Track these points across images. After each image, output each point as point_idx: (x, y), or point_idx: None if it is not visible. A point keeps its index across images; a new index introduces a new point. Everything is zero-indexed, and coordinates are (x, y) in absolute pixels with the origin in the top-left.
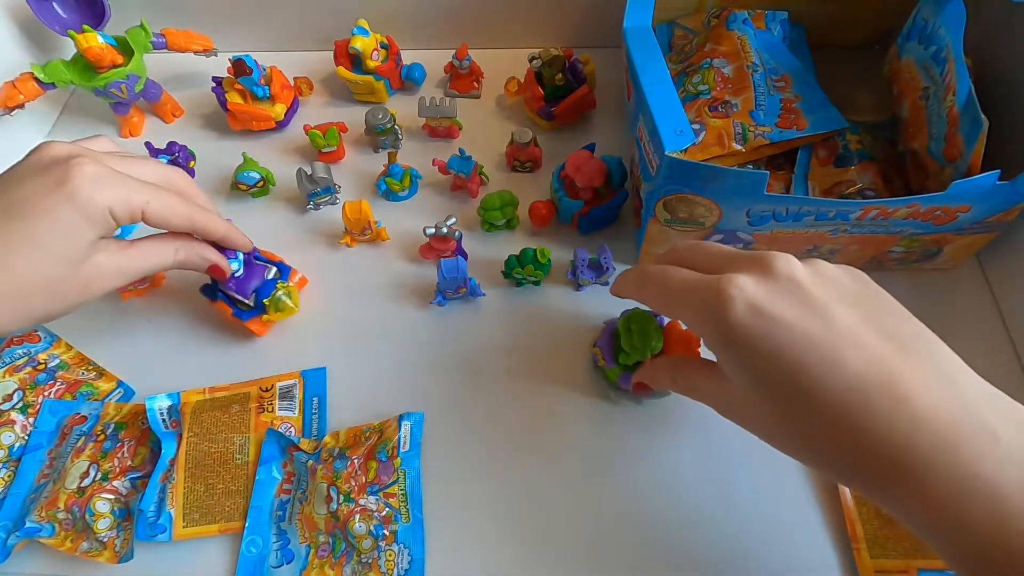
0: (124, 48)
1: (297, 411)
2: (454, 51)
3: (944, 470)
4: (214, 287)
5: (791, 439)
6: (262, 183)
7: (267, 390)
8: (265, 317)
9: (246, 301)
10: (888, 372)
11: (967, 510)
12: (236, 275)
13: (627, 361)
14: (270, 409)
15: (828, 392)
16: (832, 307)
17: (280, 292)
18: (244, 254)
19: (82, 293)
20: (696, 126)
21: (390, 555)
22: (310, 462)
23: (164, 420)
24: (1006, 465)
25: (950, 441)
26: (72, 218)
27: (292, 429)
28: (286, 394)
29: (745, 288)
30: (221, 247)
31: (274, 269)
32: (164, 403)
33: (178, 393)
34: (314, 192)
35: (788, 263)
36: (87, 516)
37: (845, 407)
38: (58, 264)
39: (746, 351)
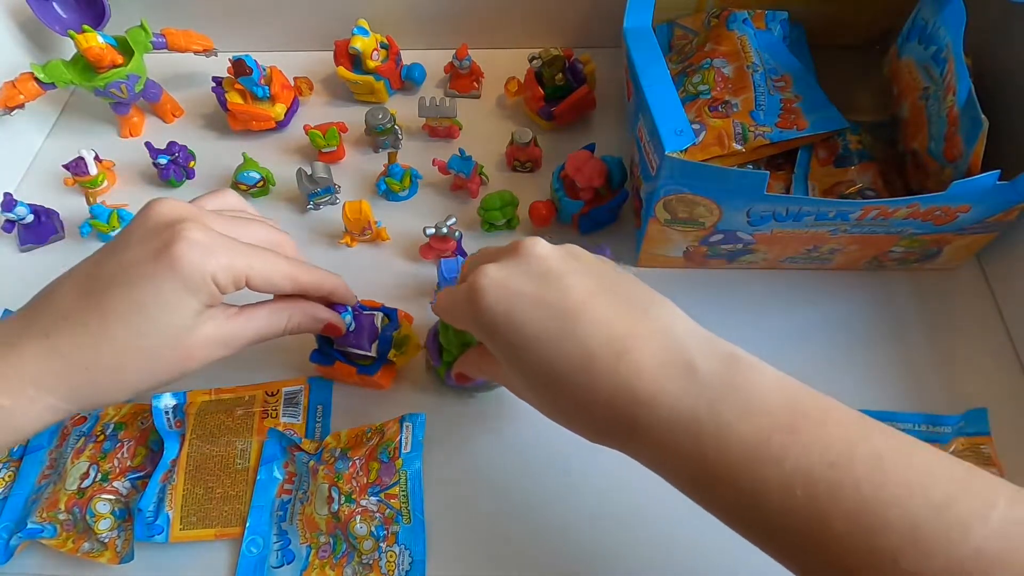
0: (124, 48)
1: (301, 418)
2: (454, 51)
3: (659, 411)
4: (325, 350)
5: (551, 410)
6: (262, 183)
7: (273, 395)
8: (395, 364)
9: (368, 354)
10: (614, 330)
11: (680, 444)
12: (350, 329)
13: (449, 358)
14: (274, 415)
15: (563, 356)
16: (569, 277)
17: (398, 338)
18: (352, 308)
19: (184, 364)
20: (696, 126)
21: (391, 556)
22: (312, 462)
23: (169, 419)
24: (702, 394)
25: (659, 383)
26: (175, 287)
27: (295, 436)
28: (291, 400)
29: (491, 274)
30: (329, 303)
31: (381, 315)
32: (170, 402)
33: (184, 392)
34: (314, 192)
35: (534, 243)
36: (88, 517)
37: (577, 367)
38: (160, 335)
39: (498, 333)
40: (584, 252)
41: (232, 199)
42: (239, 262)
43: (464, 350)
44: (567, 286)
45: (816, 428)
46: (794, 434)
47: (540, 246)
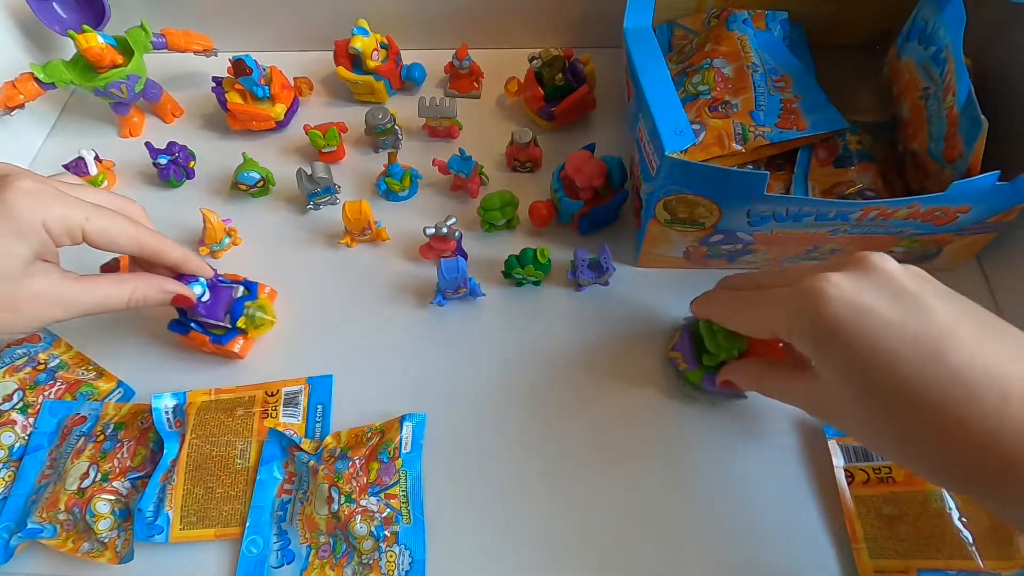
0: (124, 48)
1: (301, 418)
2: (454, 51)
3: None
4: (182, 320)
5: (885, 435)
6: (262, 183)
7: (273, 395)
8: (248, 335)
9: (221, 324)
10: (996, 366)
11: None
12: (203, 300)
13: (712, 362)
14: (274, 415)
15: (929, 385)
16: (928, 299)
17: (251, 309)
18: (207, 279)
19: (10, 318)
20: (696, 126)
21: (391, 556)
22: (312, 462)
23: (169, 419)
24: None
25: None
26: (2, 231)
27: (295, 436)
28: (291, 400)
29: (840, 284)
30: (179, 276)
31: (241, 288)
32: (170, 402)
33: (184, 392)
34: (314, 192)
35: (882, 259)
36: (88, 517)
37: (949, 401)
38: None
39: (842, 346)
40: (922, 270)
41: (70, 178)
42: (74, 213)
43: (733, 356)
44: (928, 307)
45: None
46: None
47: (890, 262)
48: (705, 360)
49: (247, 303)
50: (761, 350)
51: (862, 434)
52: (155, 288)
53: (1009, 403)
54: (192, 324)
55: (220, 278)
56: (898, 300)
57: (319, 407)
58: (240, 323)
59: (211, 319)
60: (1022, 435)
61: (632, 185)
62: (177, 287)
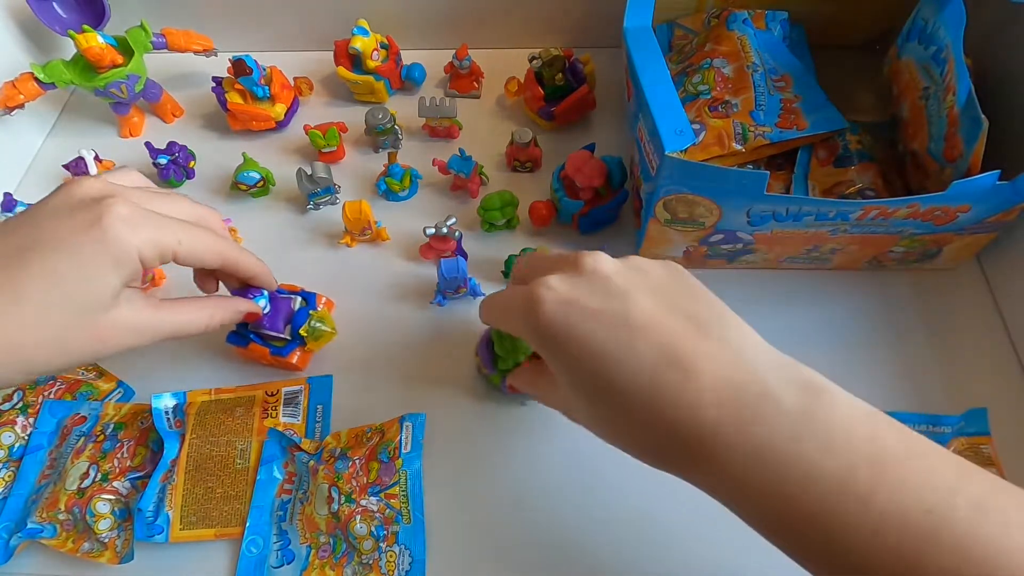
0: (124, 48)
1: (301, 418)
2: (454, 51)
3: (729, 439)
4: (242, 333)
5: (606, 429)
6: (262, 183)
7: (272, 395)
8: (307, 347)
9: (282, 336)
10: (678, 350)
11: (756, 478)
12: (265, 312)
13: (504, 367)
14: (274, 415)
15: (624, 376)
16: (632, 294)
17: (314, 320)
18: (270, 292)
19: (94, 347)
20: (696, 126)
21: (391, 556)
22: (311, 462)
23: (169, 419)
24: (781, 425)
25: (727, 410)
26: (99, 260)
27: (295, 436)
28: (291, 400)
29: (553, 286)
30: (244, 289)
31: (299, 299)
32: (170, 402)
33: (184, 392)
34: (314, 192)
35: (595, 259)
36: (88, 517)
37: (639, 388)
38: (75, 310)
39: (557, 346)
40: (650, 264)
41: (136, 176)
42: (167, 236)
43: (519, 360)
44: (631, 302)
45: (909, 466)
46: (884, 473)
47: (603, 262)
48: (499, 365)
49: (311, 312)
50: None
51: (595, 430)
52: (231, 311)
53: (687, 383)
54: (252, 336)
55: (279, 289)
56: (606, 297)
57: (319, 407)
58: (302, 332)
59: (272, 331)
60: (700, 416)
61: (632, 185)
62: (249, 306)
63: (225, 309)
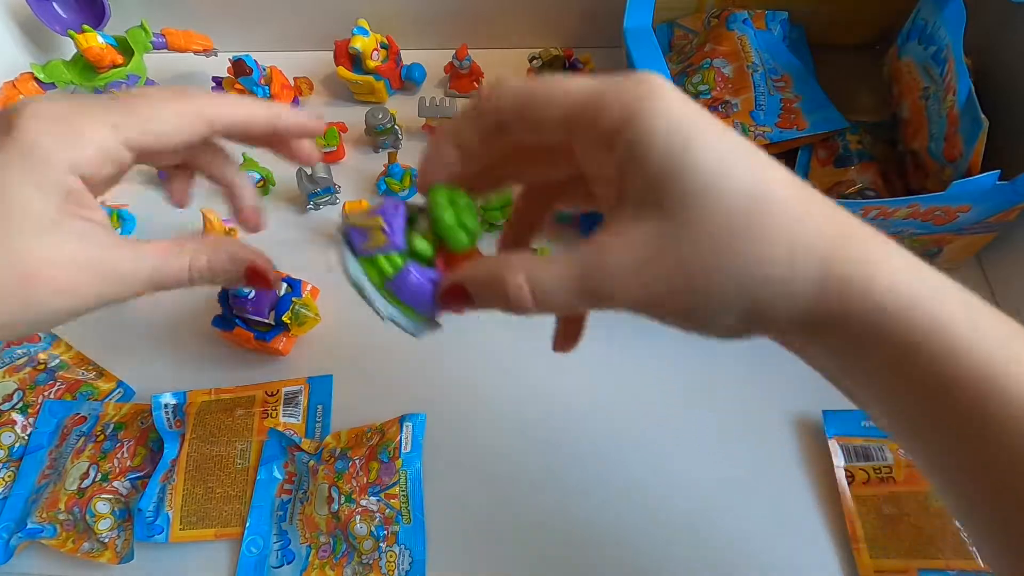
0: (124, 48)
1: (301, 418)
2: (454, 51)
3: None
4: (227, 316)
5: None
6: (262, 183)
7: (272, 395)
8: (291, 333)
9: (265, 321)
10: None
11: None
12: (249, 297)
13: (426, 251)
14: (274, 415)
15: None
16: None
17: (298, 305)
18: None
19: (26, 293)
20: None
21: (391, 556)
22: (312, 462)
23: (169, 419)
24: (905, 271)
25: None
26: (10, 175)
27: (295, 436)
28: (291, 400)
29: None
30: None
31: (284, 285)
32: (170, 402)
33: (184, 392)
34: (314, 192)
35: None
36: (88, 517)
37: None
38: None
39: (683, 140)
40: None
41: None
42: (102, 122)
43: (467, 242)
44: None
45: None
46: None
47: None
48: (417, 244)
49: (294, 299)
50: (455, 265)
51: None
52: (224, 254)
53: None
54: (237, 320)
55: None
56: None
57: (319, 407)
58: (285, 319)
59: (256, 315)
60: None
61: None
62: (252, 254)
63: (215, 249)
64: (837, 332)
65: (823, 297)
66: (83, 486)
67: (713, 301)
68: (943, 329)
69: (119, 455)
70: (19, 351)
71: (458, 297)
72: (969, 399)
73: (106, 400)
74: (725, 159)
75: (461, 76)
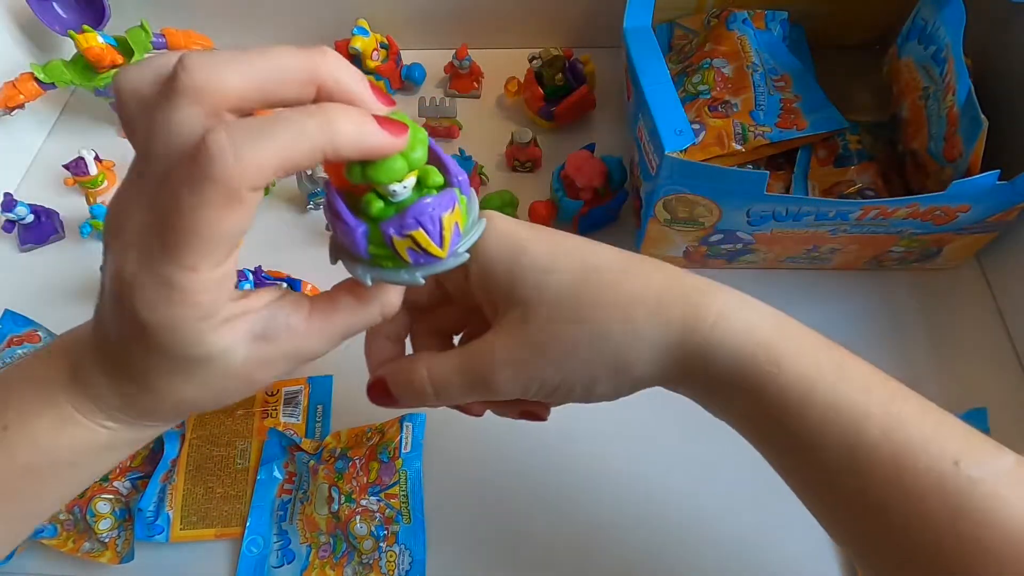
0: (124, 48)
1: (301, 418)
2: (454, 51)
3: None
4: None
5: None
6: None
7: (272, 395)
8: None
9: None
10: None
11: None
12: None
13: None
14: (274, 415)
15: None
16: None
17: None
18: (253, 276)
19: (245, 391)
20: (696, 126)
21: (391, 556)
22: (312, 462)
23: None
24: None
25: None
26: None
27: (295, 436)
28: (291, 400)
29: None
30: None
31: (284, 285)
32: None
33: None
34: (314, 192)
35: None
36: (88, 517)
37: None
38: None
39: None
40: None
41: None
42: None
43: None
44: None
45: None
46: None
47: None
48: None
49: None
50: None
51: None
52: (396, 294)
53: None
54: None
55: (264, 275)
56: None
57: (319, 407)
58: None
59: None
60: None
61: (632, 185)
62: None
63: (391, 292)
64: (690, 374)
65: (664, 342)
66: None
67: (576, 367)
68: (763, 354)
69: None
70: (19, 352)
71: (381, 392)
72: (780, 412)
73: None
74: (554, 251)
75: (461, 76)
